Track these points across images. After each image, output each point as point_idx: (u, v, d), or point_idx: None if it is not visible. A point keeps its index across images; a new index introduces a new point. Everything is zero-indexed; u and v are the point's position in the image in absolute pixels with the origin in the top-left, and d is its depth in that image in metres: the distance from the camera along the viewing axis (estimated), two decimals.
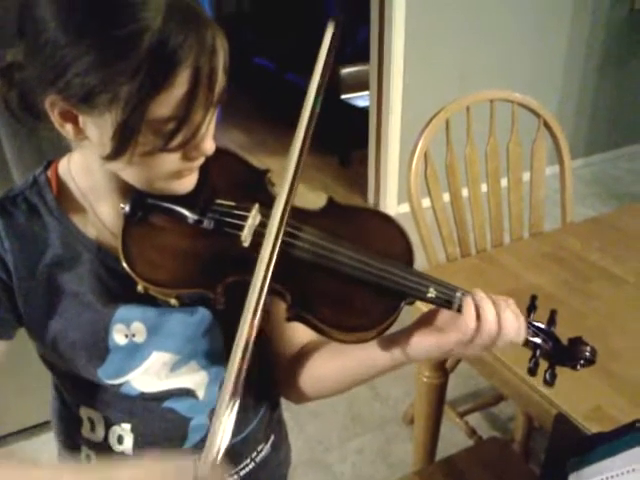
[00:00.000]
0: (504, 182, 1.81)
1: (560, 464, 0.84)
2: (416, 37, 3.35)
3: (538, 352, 0.77)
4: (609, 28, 3.96)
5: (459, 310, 0.73)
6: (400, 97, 3.47)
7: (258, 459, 0.98)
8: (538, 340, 0.77)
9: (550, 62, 3.88)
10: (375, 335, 0.76)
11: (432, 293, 0.74)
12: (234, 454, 0.94)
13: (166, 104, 0.64)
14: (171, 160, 0.70)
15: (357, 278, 0.75)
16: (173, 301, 0.76)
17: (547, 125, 1.82)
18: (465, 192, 1.76)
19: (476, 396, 2.34)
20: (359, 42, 4.48)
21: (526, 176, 1.82)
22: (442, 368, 1.64)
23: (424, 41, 3.40)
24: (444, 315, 0.77)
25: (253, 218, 0.76)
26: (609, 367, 1.19)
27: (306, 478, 2.07)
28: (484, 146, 1.79)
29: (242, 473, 0.96)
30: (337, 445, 2.19)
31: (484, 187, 1.80)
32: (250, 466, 0.97)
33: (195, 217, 0.76)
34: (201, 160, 0.75)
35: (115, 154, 0.67)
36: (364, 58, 3.68)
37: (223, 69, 0.68)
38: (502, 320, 0.72)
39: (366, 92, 3.81)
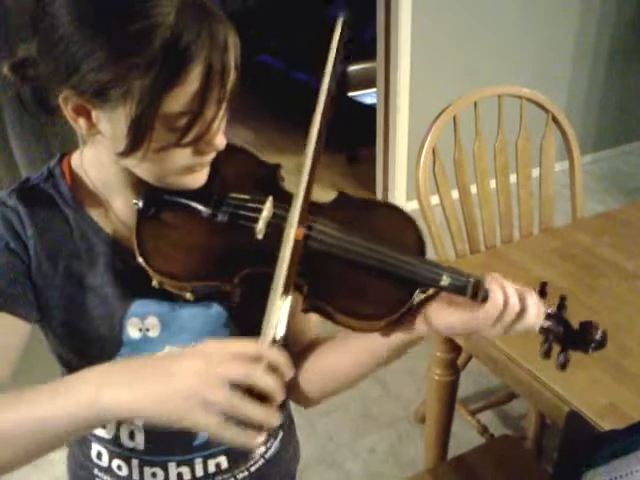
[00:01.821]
0: (513, 178, 1.80)
1: (574, 461, 0.83)
2: (423, 33, 3.34)
3: (551, 336, 0.78)
4: (617, 23, 3.93)
5: (473, 297, 0.73)
6: (407, 94, 3.46)
7: (267, 455, 0.98)
8: (550, 325, 0.78)
9: (558, 57, 3.85)
10: (389, 323, 0.76)
11: (446, 281, 0.75)
12: (243, 451, 0.94)
13: (179, 100, 0.65)
14: (183, 155, 0.71)
15: (371, 267, 0.76)
16: (188, 295, 0.76)
17: (556, 120, 1.81)
18: (474, 188, 1.75)
19: (488, 394, 2.33)
20: (366, 39, 4.47)
21: (535, 172, 1.81)
22: (453, 366, 1.63)
23: (431, 37, 3.39)
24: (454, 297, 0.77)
25: (267, 210, 0.76)
26: (621, 364, 1.18)
27: (317, 476, 2.06)
28: (492, 142, 1.78)
29: (252, 469, 0.96)
30: (348, 443, 2.19)
31: (493, 183, 1.79)
32: (259, 462, 0.97)
33: (209, 211, 0.77)
34: (212, 155, 0.75)
35: (129, 150, 0.68)
36: (371, 55, 3.67)
37: (235, 65, 0.69)
38: (525, 302, 0.73)
39: (373, 89, 3.80)
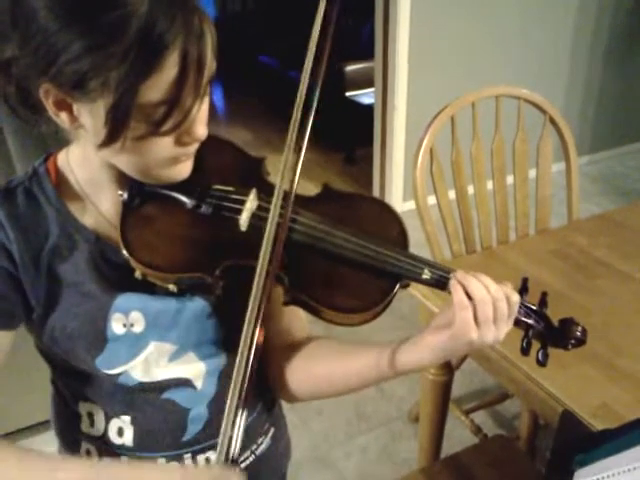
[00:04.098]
0: (510, 179, 1.80)
1: (566, 460, 0.84)
2: (421, 33, 3.34)
3: (530, 332, 0.78)
4: (615, 23, 3.95)
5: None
6: (405, 94, 3.47)
7: (258, 452, 0.98)
8: (530, 320, 0.78)
9: (555, 58, 3.86)
10: (372, 317, 0.77)
11: (427, 274, 0.76)
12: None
13: (156, 88, 0.65)
14: (164, 145, 0.71)
15: (353, 260, 0.77)
16: (171, 287, 0.77)
17: (553, 121, 1.81)
18: (471, 189, 1.75)
19: (481, 394, 2.33)
20: (364, 39, 4.48)
21: (532, 173, 1.81)
22: (447, 365, 1.63)
23: (429, 37, 3.39)
24: (449, 315, 0.76)
25: (251, 202, 0.77)
26: (615, 364, 1.18)
27: (310, 475, 2.06)
28: (490, 142, 1.78)
29: (242, 466, 0.96)
30: (342, 442, 2.19)
31: (490, 184, 1.79)
32: (250, 459, 0.97)
33: (193, 202, 0.78)
34: (195, 146, 0.76)
35: (108, 140, 0.68)
36: (369, 55, 3.68)
37: (212, 54, 0.69)
38: (489, 287, 0.73)
39: (371, 89, 3.81)
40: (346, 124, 4.25)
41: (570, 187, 1.85)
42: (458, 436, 2.09)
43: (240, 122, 5.31)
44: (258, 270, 0.70)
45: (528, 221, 1.87)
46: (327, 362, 0.88)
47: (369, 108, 3.84)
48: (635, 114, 4.39)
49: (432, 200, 1.66)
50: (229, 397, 0.66)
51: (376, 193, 3.86)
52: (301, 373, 0.90)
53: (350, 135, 4.39)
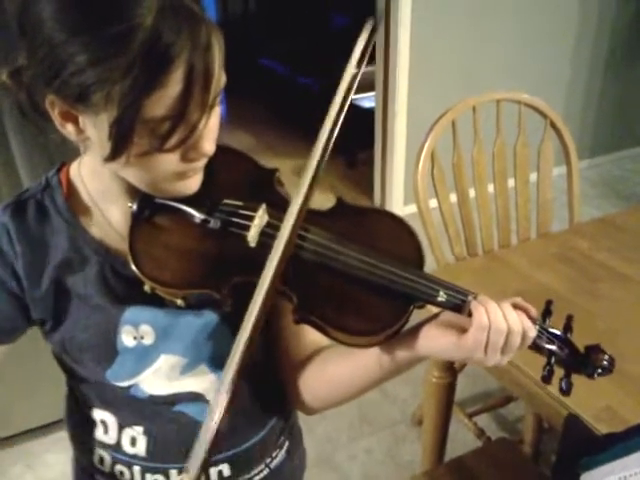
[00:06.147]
0: (511, 182, 1.81)
1: (572, 464, 0.84)
2: (422, 37, 3.35)
3: (553, 359, 0.74)
4: (615, 29, 3.95)
5: (470, 314, 0.71)
6: (406, 98, 3.47)
7: (272, 465, 0.98)
8: (553, 347, 0.74)
9: (556, 63, 3.87)
10: (384, 339, 0.74)
11: (442, 297, 0.72)
12: (245, 460, 0.93)
13: (161, 103, 0.63)
14: (170, 161, 0.70)
15: (365, 280, 0.73)
16: (179, 302, 0.76)
17: (554, 125, 1.82)
18: (472, 192, 1.76)
19: (485, 397, 2.34)
20: None
21: (533, 177, 1.82)
22: (451, 368, 1.64)
23: (430, 41, 3.40)
24: (455, 319, 0.75)
25: (260, 218, 0.75)
26: (619, 367, 1.17)
27: (315, 478, 2.07)
28: (491, 146, 1.79)
29: (256, 479, 0.95)
30: (346, 445, 2.19)
31: (491, 187, 1.80)
32: (264, 472, 0.96)
33: (202, 217, 0.76)
34: (203, 161, 0.74)
35: (113, 154, 0.67)
36: (370, 59, 3.68)
37: (220, 67, 0.67)
38: (508, 317, 0.70)
39: (372, 93, 3.81)
40: (347, 128, 4.25)
41: (571, 191, 1.86)
42: (462, 439, 2.09)
43: (241, 126, 5.30)
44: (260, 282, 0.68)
45: (529, 224, 1.87)
46: (336, 363, 0.87)
47: (370, 112, 3.84)
48: (634, 119, 4.39)
49: (433, 204, 1.67)
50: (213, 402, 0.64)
51: (377, 197, 3.87)
52: (316, 381, 0.89)
53: (351, 139, 4.38)
